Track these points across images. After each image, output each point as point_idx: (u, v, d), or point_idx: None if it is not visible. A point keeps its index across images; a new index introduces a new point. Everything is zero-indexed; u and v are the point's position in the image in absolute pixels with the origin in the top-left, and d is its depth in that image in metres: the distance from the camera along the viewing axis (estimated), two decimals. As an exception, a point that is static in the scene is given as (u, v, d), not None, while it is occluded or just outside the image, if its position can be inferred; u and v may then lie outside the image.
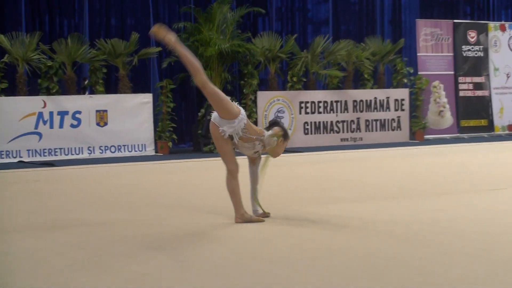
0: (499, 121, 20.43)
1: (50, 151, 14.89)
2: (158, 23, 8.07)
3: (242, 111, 7.77)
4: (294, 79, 17.53)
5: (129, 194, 10.36)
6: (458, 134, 19.76)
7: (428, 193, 10.03)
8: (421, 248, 6.65)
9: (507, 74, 20.66)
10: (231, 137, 7.65)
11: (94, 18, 17.32)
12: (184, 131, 17.76)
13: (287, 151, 16.06)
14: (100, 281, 5.59)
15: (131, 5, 17.65)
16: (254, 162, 8.08)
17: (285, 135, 7.95)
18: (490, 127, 20.33)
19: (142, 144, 15.73)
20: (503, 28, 20.81)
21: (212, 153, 15.69)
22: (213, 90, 7.72)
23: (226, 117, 7.66)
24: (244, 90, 17.02)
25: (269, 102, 17.05)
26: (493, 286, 5.36)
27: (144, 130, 15.81)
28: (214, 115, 7.78)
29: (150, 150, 15.79)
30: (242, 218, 7.80)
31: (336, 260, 6.19)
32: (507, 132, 20.34)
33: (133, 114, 15.71)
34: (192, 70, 7.77)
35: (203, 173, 13.05)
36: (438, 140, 18.93)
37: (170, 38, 7.76)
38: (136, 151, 15.65)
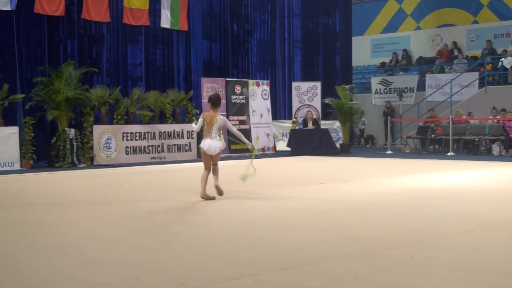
0: (256, 145, 20.97)
1: None
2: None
3: None
4: (119, 117, 17.52)
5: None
6: (229, 154, 20.16)
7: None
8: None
9: (261, 115, 21.33)
10: None
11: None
12: (41, 153, 17.21)
13: (113, 166, 16.05)
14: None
15: (2, 65, 16.97)
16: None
17: None
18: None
19: (11, 162, 15.27)
20: (258, 84, 21.53)
21: (61, 168, 15.46)
22: None
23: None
24: (84, 124, 16.85)
25: (101, 132, 16.94)
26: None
27: (13, 152, 15.39)
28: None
29: (17, 166, 15.36)
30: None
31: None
32: (261, 152, 20.94)
33: (5, 140, 15.28)
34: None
35: (57, 181, 12.82)
36: (216, 158, 19.24)
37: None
38: (7, 166, 15.17)
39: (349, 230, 6.81)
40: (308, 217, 7.70)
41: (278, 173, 14.19)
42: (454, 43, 27.15)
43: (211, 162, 9.39)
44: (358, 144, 26.18)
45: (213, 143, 9.32)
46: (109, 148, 17.06)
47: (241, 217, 7.73)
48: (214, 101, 9.41)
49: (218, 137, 9.42)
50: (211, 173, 9.37)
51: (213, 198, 9.16)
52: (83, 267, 5.17)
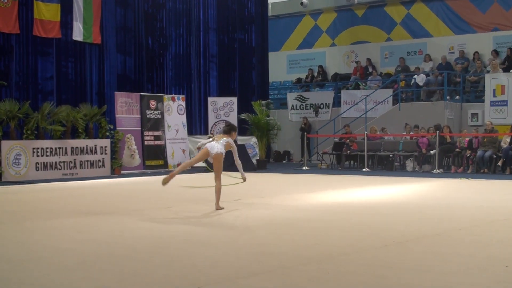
0: (171, 161, 20.95)
1: None
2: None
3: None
4: (29, 132, 17.13)
5: None
6: (144, 170, 20.03)
7: (119, 211, 10.14)
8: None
9: (177, 130, 21.23)
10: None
11: None
12: None
13: (23, 182, 15.63)
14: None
15: None
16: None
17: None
18: (165, 165, 20.77)
19: None
20: (173, 99, 21.45)
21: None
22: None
23: None
24: (-9, 140, 16.33)
25: (10, 148, 16.48)
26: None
27: None
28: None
29: None
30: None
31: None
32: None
33: None
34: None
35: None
36: (131, 174, 19.12)
37: None
38: None
39: (264, 246, 6.85)
40: (224, 233, 7.73)
41: (194, 189, 14.10)
42: (369, 60, 27.84)
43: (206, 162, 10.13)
44: (274, 159, 26.43)
45: (215, 144, 9.73)
46: (18, 164, 16.58)
47: (157, 234, 7.69)
48: (224, 130, 10.25)
49: (223, 146, 9.75)
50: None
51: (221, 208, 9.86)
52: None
